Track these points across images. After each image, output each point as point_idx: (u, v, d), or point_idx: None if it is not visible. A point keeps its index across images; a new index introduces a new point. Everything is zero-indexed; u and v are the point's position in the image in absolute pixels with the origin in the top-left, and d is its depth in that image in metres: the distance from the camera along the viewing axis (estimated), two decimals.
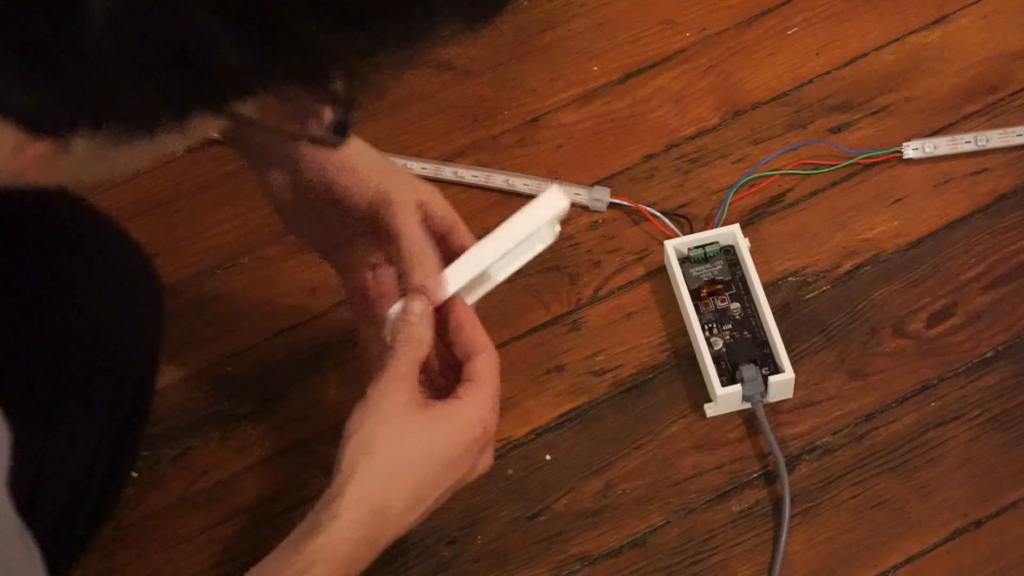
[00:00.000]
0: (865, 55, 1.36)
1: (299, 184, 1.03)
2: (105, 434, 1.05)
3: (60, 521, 1.03)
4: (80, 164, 0.63)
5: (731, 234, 1.22)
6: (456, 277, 0.99)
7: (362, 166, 1.01)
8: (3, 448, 0.70)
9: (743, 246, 1.21)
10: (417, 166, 1.32)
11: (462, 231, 1.03)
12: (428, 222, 1.01)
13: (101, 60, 0.55)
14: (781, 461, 1.15)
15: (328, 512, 0.91)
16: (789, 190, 1.29)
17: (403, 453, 0.94)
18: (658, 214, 1.27)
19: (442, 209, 1.02)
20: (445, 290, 0.99)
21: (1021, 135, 1.29)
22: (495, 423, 0.97)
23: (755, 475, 1.16)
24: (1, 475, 0.70)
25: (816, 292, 1.24)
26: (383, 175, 1.01)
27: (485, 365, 0.98)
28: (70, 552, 1.09)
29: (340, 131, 0.65)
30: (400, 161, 1.32)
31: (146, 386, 1.11)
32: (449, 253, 1.01)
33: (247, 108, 0.61)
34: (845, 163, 1.29)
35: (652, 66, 1.37)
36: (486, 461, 0.98)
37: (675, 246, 1.23)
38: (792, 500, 1.15)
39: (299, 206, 1.05)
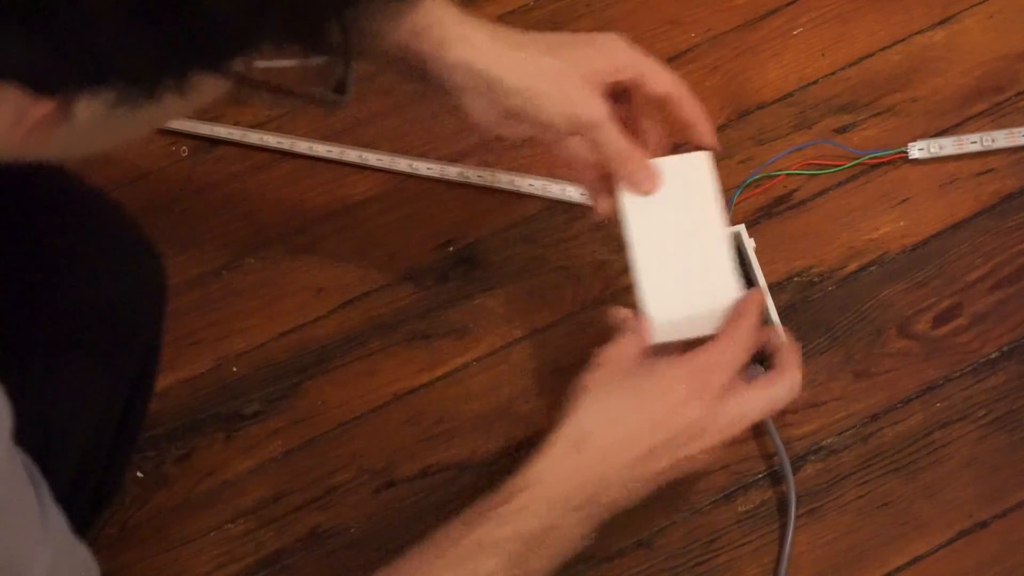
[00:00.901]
0: (871, 55, 1.36)
1: (495, 110, 1.03)
2: (109, 409, 1.05)
3: (62, 501, 1.03)
4: (82, 133, 0.64)
5: (736, 234, 1.22)
6: None
7: (546, 92, 1.02)
8: (4, 415, 0.70)
9: (749, 246, 1.21)
10: (423, 166, 1.32)
11: (679, 102, 1.06)
12: (641, 104, 1.06)
13: (100, 13, 0.55)
14: (787, 462, 1.15)
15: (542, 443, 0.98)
16: (795, 190, 1.29)
17: (615, 393, 0.99)
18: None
19: (655, 84, 1.05)
20: (653, 181, 1.06)
21: None
22: (714, 396, 0.99)
23: (760, 476, 1.16)
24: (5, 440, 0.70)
25: (822, 292, 1.24)
26: (567, 93, 1.02)
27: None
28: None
29: (340, 89, 0.66)
30: (405, 162, 1.32)
31: (149, 363, 1.10)
32: (677, 122, 1.06)
33: (245, 68, 0.61)
34: (851, 163, 1.29)
35: None
36: (719, 426, 0.99)
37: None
38: (797, 500, 1.15)
39: (497, 126, 1.05)
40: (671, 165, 1.08)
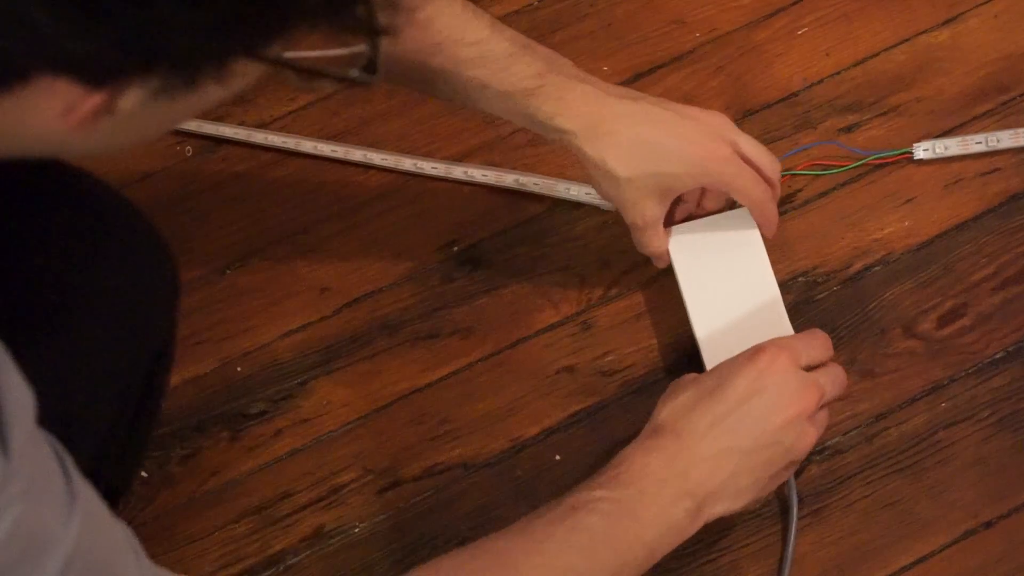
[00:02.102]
0: (875, 55, 1.36)
1: None
2: (122, 403, 1.04)
3: None
4: (122, 125, 0.65)
5: (739, 215, 1.22)
6: None
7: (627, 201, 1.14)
8: (27, 402, 0.70)
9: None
10: (428, 165, 1.32)
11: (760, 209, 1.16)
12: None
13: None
14: None
15: None
16: (799, 190, 1.29)
17: (708, 383, 1.05)
18: None
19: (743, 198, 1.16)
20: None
21: None
22: (787, 370, 1.05)
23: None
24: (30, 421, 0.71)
25: (826, 292, 1.24)
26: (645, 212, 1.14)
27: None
28: None
29: (370, 69, 0.69)
30: (410, 161, 1.32)
31: (164, 356, 1.10)
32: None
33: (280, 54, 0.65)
34: (856, 164, 1.29)
35: (662, 66, 1.37)
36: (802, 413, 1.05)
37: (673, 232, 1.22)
38: (802, 501, 1.14)
39: None
40: (717, 220, 1.20)
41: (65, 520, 0.72)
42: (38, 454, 0.72)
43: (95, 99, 0.63)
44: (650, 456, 1.02)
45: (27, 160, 0.68)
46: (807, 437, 1.05)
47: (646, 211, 1.14)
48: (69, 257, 0.99)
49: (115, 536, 0.80)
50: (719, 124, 1.13)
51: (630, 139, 1.11)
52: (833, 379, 1.08)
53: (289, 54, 0.66)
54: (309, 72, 0.68)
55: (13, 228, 0.95)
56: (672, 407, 1.05)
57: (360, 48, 0.68)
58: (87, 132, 0.65)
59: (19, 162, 0.68)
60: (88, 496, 0.76)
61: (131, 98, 0.63)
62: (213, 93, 0.66)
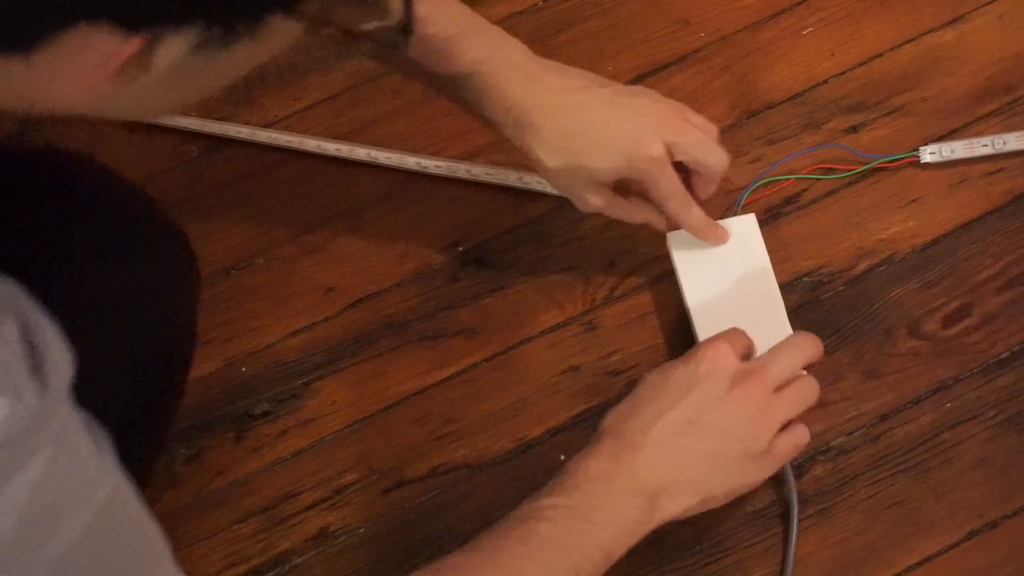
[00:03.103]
0: (880, 55, 1.36)
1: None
2: (142, 395, 1.04)
3: None
4: (156, 85, 0.66)
5: (743, 222, 1.22)
6: None
7: (601, 150, 1.12)
8: (67, 364, 0.71)
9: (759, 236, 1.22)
10: (432, 165, 1.32)
11: (702, 179, 1.16)
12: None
13: None
14: (788, 465, 1.14)
15: None
16: (804, 190, 1.29)
17: (645, 386, 1.07)
18: None
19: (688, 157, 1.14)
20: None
21: None
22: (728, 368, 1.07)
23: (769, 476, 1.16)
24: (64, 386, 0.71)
25: (831, 292, 1.24)
26: (620, 155, 1.12)
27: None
28: None
29: (406, 29, 0.70)
30: (414, 160, 1.32)
31: (184, 348, 1.10)
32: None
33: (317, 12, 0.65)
34: (862, 168, 1.29)
35: (667, 66, 1.37)
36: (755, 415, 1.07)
37: (677, 237, 1.22)
38: (807, 501, 1.15)
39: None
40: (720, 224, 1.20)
41: (97, 474, 0.73)
42: (71, 424, 0.73)
43: (131, 46, 0.63)
44: (595, 460, 1.03)
45: (51, 154, 0.69)
46: (760, 427, 1.06)
47: (586, 201, 1.14)
48: (89, 248, 1.00)
49: (143, 516, 0.80)
50: (663, 121, 1.13)
51: (554, 132, 1.11)
52: (785, 364, 1.09)
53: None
54: (344, 33, 0.68)
55: (31, 219, 0.95)
56: (614, 413, 1.06)
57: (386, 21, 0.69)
58: (122, 87, 0.65)
59: (44, 154, 0.68)
60: (114, 467, 0.77)
61: (166, 52, 0.64)
62: (248, 53, 0.66)
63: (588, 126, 1.11)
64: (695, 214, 1.15)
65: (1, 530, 0.67)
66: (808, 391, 1.09)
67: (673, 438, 1.04)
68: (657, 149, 1.11)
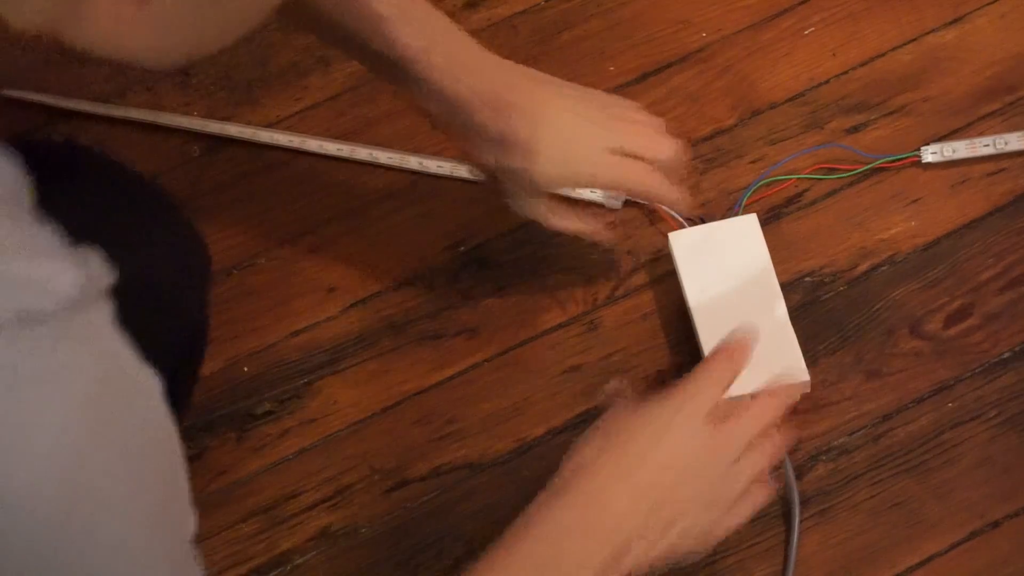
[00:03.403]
0: (882, 55, 1.36)
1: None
2: None
3: None
4: (169, 18, 0.66)
5: (745, 222, 1.22)
6: None
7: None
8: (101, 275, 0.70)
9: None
10: (433, 164, 1.32)
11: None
12: None
13: None
14: (789, 466, 1.15)
15: None
16: (806, 190, 1.29)
17: (611, 422, 1.00)
18: (675, 214, 1.27)
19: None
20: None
21: None
22: (705, 402, 1.00)
23: (771, 475, 1.16)
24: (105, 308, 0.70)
25: (833, 292, 1.24)
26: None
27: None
28: None
29: None
30: (415, 160, 1.32)
31: (197, 341, 1.09)
32: None
33: None
34: (863, 168, 1.29)
35: (669, 66, 1.37)
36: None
37: (679, 238, 1.23)
38: (808, 501, 1.14)
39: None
40: (722, 228, 1.22)
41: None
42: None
43: None
44: (559, 511, 0.97)
45: (66, 147, 0.69)
46: (739, 471, 1.00)
47: (535, 210, 1.15)
48: (101, 241, 1.00)
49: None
50: (606, 130, 1.12)
51: (499, 133, 1.10)
52: (754, 418, 1.02)
53: None
54: None
55: (48, 209, 0.95)
56: (577, 461, 0.99)
57: None
58: (136, 19, 0.65)
59: (57, 149, 0.68)
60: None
61: None
62: None
63: (533, 132, 1.10)
64: (675, 192, 1.15)
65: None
66: (779, 449, 1.03)
67: (639, 486, 0.98)
68: (605, 165, 1.11)
